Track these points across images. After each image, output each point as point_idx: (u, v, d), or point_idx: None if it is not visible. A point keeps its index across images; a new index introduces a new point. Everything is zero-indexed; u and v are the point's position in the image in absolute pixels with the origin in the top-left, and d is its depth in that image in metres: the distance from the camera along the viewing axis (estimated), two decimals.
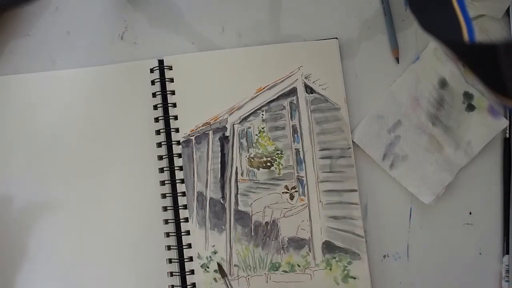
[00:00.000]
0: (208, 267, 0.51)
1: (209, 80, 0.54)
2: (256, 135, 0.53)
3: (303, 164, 0.52)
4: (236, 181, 0.52)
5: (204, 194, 0.52)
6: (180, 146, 0.53)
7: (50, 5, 0.56)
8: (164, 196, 0.52)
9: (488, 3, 0.52)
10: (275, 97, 0.53)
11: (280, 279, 0.51)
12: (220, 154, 0.53)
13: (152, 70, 0.54)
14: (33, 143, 0.53)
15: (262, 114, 0.53)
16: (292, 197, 0.52)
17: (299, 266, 0.51)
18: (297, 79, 0.53)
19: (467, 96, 0.52)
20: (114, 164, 0.53)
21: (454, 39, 0.39)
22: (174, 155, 0.53)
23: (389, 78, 0.54)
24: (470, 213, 0.52)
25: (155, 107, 0.53)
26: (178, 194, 0.52)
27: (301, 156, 0.52)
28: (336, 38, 0.54)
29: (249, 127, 0.53)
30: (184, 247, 0.52)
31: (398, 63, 0.54)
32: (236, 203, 0.52)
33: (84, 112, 0.54)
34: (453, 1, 0.40)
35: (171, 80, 0.54)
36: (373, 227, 0.52)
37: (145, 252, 0.52)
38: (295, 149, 0.53)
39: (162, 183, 0.52)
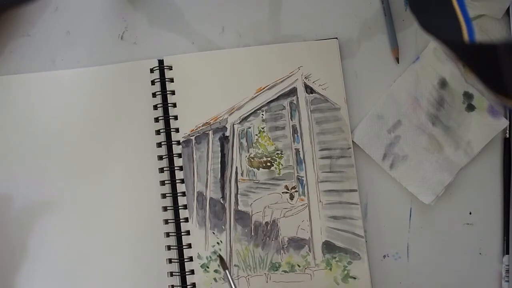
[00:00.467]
0: (208, 267, 0.51)
1: (209, 80, 0.54)
2: (256, 135, 0.53)
3: (303, 164, 0.52)
4: (236, 181, 0.52)
5: (204, 194, 0.52)
6: (180, 146, 0.53)
7: (50, 5, 0.56)
8: (164, 196, 0.52)
9: (488, 3, 0.52)
10: (275, 97, 0.53)
11: (280, 279, 0.51)
12: (220, 154, 0.53)
13: (152, 70, 0.54)
14: (33, 143, 0.53)
15: (262, 114, 0.53)
16: (292, 197, 0.52)
17: (299, 266, 0.51)
18: (297, 79, 0.53)
19: (467, 96, 0.52)
20: (114, 164, 0.53)
21: (454, 39, 0.39)
22: (174, 155, 0.53)
23: (389, 78, 0.54)
24: (470, 213, 0.52)
25: (155, 107, 0.53)
26: (178, 194, 0.52)
27: (301, 156, 0.52)
28: (336, 38, 0.54)
29: (249, 127, 0.53)
30: (184, 247, 0.52)
31: (398, 63, 0.54)
32: (236, 203, 0.52)
33: (84, 112, 0.54)
34: (453, 1, 0.40)
35: (171, 80, 0.54)
36: (373, 227, 0.52)
37: (145, 252, 0.52)
38: (295, 149, 0.53)
39: (162, 183, 0.52)
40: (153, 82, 0.54)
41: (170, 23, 0.55)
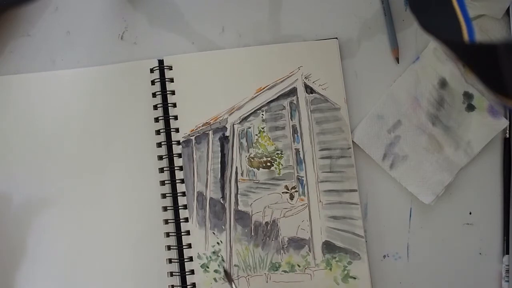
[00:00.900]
0: (208, 267, 0.51)
1: (209, 80, 0.54)
2: (256, 135, 0.53)
3: (303, 164, 0.52)
4: (236, 181, 0.52)
5: (204, 194, 0.52)
6: (180, 146, 0.53)
7: (50, 5, 0.56)
8: (164, 196, 0.52)
9: (488, 3, 0.52)
10: (275, 97, 0.53)
11: (280, 279, 0.51)
12: (220, 154, 0.53)
13: (152, 70, 0.54)
14: (33, 143, 0.53)
15: (262, 114, 0.53)
16: (292, 197, 0.52)
17: (299, 266, 0.51)
18: (297, 79, 0.53)
19: (467, 96, 0.52)
20: (114, 164, 0.53)
21: (454, 39, 0.39)
22: (174, 155, 0.53)
23: (389, 78, 0.54)
24: (470, 213, 0.52)
25: (155, 107, 0.53)
26: (178, 194, 0.52)
27: (301, 156, 0.52)
28: (336, 38, 0.54)
29: (249, 127, 0.53)
30: (184, 247, 0.52)
31: (398, 63, 0.54)
32: (236, 203, 0.52)
33: (84, 112, 0.54)
34: (453, 1, 0.40)
35: (171, 80, 0.54)
36: (373, 227, 0.52)
37: (145, 252, 0.52)
38: (295, 149, 0.53)
39: (162, 183, 0.52)
40: (153, 82, 0.54)
41: (170, 23, 0.55)
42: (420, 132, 0.52)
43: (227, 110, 0.53)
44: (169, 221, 0.52)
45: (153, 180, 0.52)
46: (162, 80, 0.53)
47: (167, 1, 0.56)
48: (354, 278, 0.51)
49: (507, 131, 0.52)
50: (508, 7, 0.52)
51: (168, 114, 0.53)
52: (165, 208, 0.52)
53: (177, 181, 0.52)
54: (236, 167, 0.53)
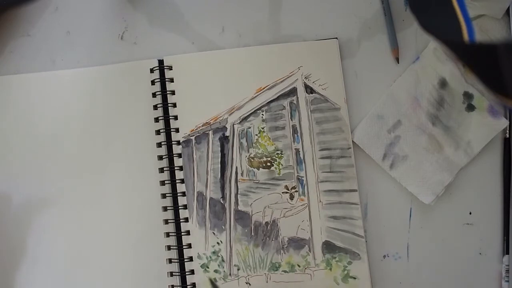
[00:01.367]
0: (208, 267, 0.51)
1: (209, 80, 0.54)
2: (256, 135, 0.53)
3: (303, 164, 0.52)
4: (236, 181, 0.52)
5: (204, 194, 0.52)
6: (180, 146, 0.53)
7: (50, 5, 0.56)
8: (164, 196, 0.52)
9: (488, 3, 0.52)
10: (275, 97, 0.53)
11: (280, 279, 0.51)
12: (220, 154, 0.53)
13: (152, 70, 0.54)
14: (33, 143, 0.53)
15: (262, 114, 0.53)
16: (292, 197, 0.52)
17: (299, 266, 0.51)
18: (297, 79, 0.53)
19: (467, 96, 0.52)
20: (114, 164, 0.53)
21: (454, 39, 0.39)
22: (174, 155, 0.53)
23: (389, 78, 0.54)
24: (470, 213, 0.52)
25: (155, 107, 0.53)
26: (178, 194, 0.52)
27: (301, 156, 0.52)
28: (336, 38, 0.54)
29: (249, 127, 0.53)
30: (184, 247, 0.52)
31: (398, 63, 0.54)
32: (236, 203, 0.52)
33: (84, 112, 0.54)
34: (453, 1, 0.40)
35: (171, 80, 0.54)
36: (373, 227, 0.52)
37: (145, 252, 0.52)
38: (295, 149, 0.53)
39: (162, 183, 0.52)
40: (153, 82, 0.54)
41: (170, 23, 0.55)
42: (420, 132, 0.52)
43: (227, 110, 0.53)
44: (169, 221, 0.52)
45: (153, 180, 0.52)
46: (162, 80, 0.53)
47: (167, 1, 0.56)
48: (354, 278, 0.51)
49: (507, 131, 0.52)
50: (508, 7, 0.52)
51: (168, 114, 0.53)
52: (165, 208, 0.52)
53: (177, 181, 0.52)
54: (236, 167, 0.53)
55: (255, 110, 0.53)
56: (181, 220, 0.52)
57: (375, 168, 0.53)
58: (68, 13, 0.56)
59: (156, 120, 0.53)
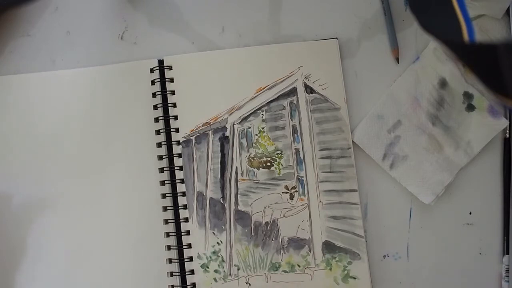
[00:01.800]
0: (208, 267, 0.51)
1: (209, 80, 0.54)
2: (256, 135, 0.53)
3: (303, 164, 0.52)
4: (236, 181, 0.52)
5: (204, 194, 0.52)
6: (180, 146, 0.53)
7: (50, 5, 0.56)
8: (164, 196, 0.52)
9: (488, 3, 0.52)
10: (275, 97, 0.53)
11: (280, 279, 0.51)
12: (220, 154, 0.53)
13: (152, 70, 0.54)
14: (33, 143, 0.53)
15: (262, 114, 0.53)
16: (292, 197, 0.52)
17: (299, 266, 0.51)
18: (297, 79, 0.53)
19: (467, 96, 0.52)
20: (114, 164, 0.53)
21: (454, 39, 0.39)
22: (174, 155, 0.53)
23: (389, 78, 0.54)
24: (470, 213, 0.52)
25: (155, 107, 0.53)
26: (178, 194, 0.52)
27: (301, 156, 0.52)
28: (336, 38, 0.54)
29: (249, 127, 0.53)
30: (184, 247, 0.52)
31: (398, 63, 0.54)
32: (236, 203, 0.52)
33: (84, 112, 0.54)
34: (453, 1, 0.40)
35: (171, 80, 0.54)
36: (373, 227, 0.52)
37: (145, 252, 0.52)
38: (295, 149, 0.53)
39: (162, 183, 0.52)
40: (153, 82, 0.54)
41: (170, 23, 0.55)
42: (420, 132, 0.52)
43: (227, 110, 0.53)
44: (169, 221, 0.52)
45: (153, 180, 0.52)
46: (162, 80, 0.53)
47: (167, 1, 0.56)
48: (354, 278, 0.51)
49: (507, 131, 0.52)
50: (508, 7, 0.52)
51: (168, 114, 0.53)
52: (165, 208, 0.52)
53: (177, 181, 0.52)
54: (236, 167, 0.52)
55: (255, 110, 0.53)
56: (181, 220, 0.52)
57: (375, 168, 0.53)
58: (68, 13, 0.56)
59: (156, 120, 0.53)
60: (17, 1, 0.53)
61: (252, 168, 0.52)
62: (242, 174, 0.52)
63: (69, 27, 0.56)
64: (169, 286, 0.51)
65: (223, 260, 0.51)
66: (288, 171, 0.52)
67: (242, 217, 0.52)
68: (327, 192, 0.52)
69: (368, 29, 0.55)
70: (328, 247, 0.51)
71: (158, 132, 0.53)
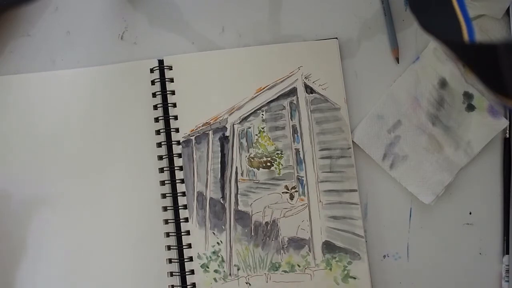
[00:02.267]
0: (208, 267, 0.51)
1: (209, 80, 0.54)
2: (256, 135, 0.53)
3: (303, 164, 0.52)
4: (236, 181, 0.52)
5: (204, 194, 0.52)
6: (180, 146, 0.53)
7: (50, 5, 0.56)
8: (164, 196, 0.52)
9: (488, 3, 0.52)
10: (275, 97, 0.53)
11: (280, 279, 0.51)
12: (220, 154, 0.53)
13: (152, 70, 0.54)
14: (33, 143, 0.53)
15: (262, 114, 0.53)
16: (292, 197, 0.52)
17: (299, 266, 0.51)
18: (297, 79, 0.53)
19: (467, 96, 0.52)
20: (114, 164, 0.53)
21: (454, 39, 0.39)
22: (174, 155, 0.53)
23: (389, 78, 0.54)
24: (470, 213, 0.52)
25: (155, 107, 0.53)
26: (178, 194, 0.52)
27: (301, 156, 0.52)
28: (336, 38, 0.54)
29: (249, 127, 0.53)
30: (184, 247, 0.52)
31: (398, 63, 0.54)
32: (236, 203, 0.52)
33: (84, 112, 0.54)
34: (453, 1, 0.40)
35: (171, 80, 0.54)
36: (373, 227, 0.52)
37: (145, 252, 0.52)
38: (295, 149, 0.53)
39: (162, 183, 0.52)
40: (153, 82, 0.54)
41: (170, 23, 0.55)
42: (420, 132, 0.52)
43: (227, 110, 0.53)
44: (169, 221, 0.52)
45: (153, 180, 0.52)
46: (162, 80, 0.53)
47: (167, 1, 0.56)
48: (354, 278, 0.51)
49: (507, 131, 0.52)
50: (508, 7, 0.52)
51: (168, 114, 0.53)
52: (165, 208, 0.52)
53: (177, 181, 0.52)
54: (236, 167, 0.52)
55: (255, 110, 0.53)
56: (181, 220, 0.52)
57: (375, 168, 0.53)
58: (68, 13, 0.56)
59: (156, 120, 0.53)
60: (17, 1, 0.53)
61: (252, 168, 0.52)
62: (242, 174, 0.52)
63: (69, 27, 0.56)
64: (169, 286, 0.51)
65: (223, 260, 0.51)
66: (288, 171, 0.52)
67: (242, 217, 0.52)
68: (327, 192, 0.52)
69: (368, 29, 0.55)
70: (328, 247, 0.51)
71: (158, 132, 0.53)
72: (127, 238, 0.52)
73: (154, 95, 0.53)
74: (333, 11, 0.55)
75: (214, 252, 0.51)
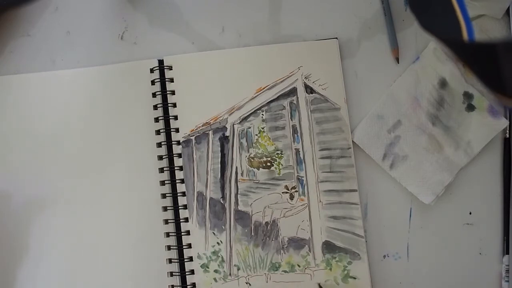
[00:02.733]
0: (208, 267, 0.51)
1: (209, 80, 0.54)
2: (256, 135, 0.53)
3: (303, 164, 0.52)
4: (236, 181, 0.52)
5: (204, 194, 0.52)
6: (180, 146, 0.53)
7: (50, 5, 0.56)
8: (164, 196, 0.52)
9: (488, 3, 0.52)
10: (275, 97, 0.53)
11: (280, 279, 0.51)
12: (220, 154, 0.53)
13: (152, 70, 0.54)
14: (33, 143, 0.53)
15: (262, 114, 0.53)
16: (292, 197, 0.52)
17: (299, 266, 0.51)
18: (297, 79, 0.53)
19: (467, 96, 0.52)
20: (114, 164, 0.53)
21: (454, 39, 0.39)
22: (174, 155, 0.53)
23: (389, 78, 0.54)
24: (470, 213, 0.52)
25: (155, 107, 0.53)
26: (178, 194, 0.52)
27: (301, 156, 0.52)
28: (336, 38, 0.54)
29: (249, 127, 0.53)
30: (184, 247, 0.52)
31: (398, 63, 0.54)
32: (236, 203, 0.52)
33: (84, 112, 0.54)
34: (453, 0, 0.40)
35: (171, 80, 0.54)
36: (373, 227, 0.52)
37: (145, 252, 0.52)
38: (295, 149, 0.53)
39: (162, 183, 0.52)
40: (153, 82, 0.54)
41: (170, 23, 0.55)
42: (420, 132, 0.52)
43: (227, 110, 0.53)
44: (169, 221, 0.52)
45: (153, 180, 0.52)
46: (162, 80, 0.53)
47: (167, 1, 0.56)
48: (354, 278, 0.51)
49: (507, 131, 0.52)
50: (508, 7, 0.52)
51: (168, 114, 0.53)
52: (165, 208, 0.52)
53: (177, 181, 0.52)
54: (236, 167, 0.52)
55: (255, 110, 0.53)
56: (181, 220, 0.52)
57: (375, 168, 0.53)
58: (68, 13, 0.56)
59: (156, 120, 0.53)
60: (17, 1, 0.53)
61: (252, 168, 0.52)
62: (242, 174, 0.52)
63: (69, 27, 0.56)
64: (169, 286, 0.51)
65: (223, 260, 0.51)
66: (288, 171, 0.52)
67: (242, 217, 0.52)
68: (327, 192, 0.52)
69: (368, 29, 0.55)
70: (328, 247, 0.51)
71: (158, 132, 0.53)
72: (127, 238, 0.52)
73: (154, 95, 0.53)
74: (333, 11, 0.55)
75: (214, 252, 0.51)
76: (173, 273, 0.51)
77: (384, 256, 0.52)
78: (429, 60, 0.53)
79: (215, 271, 0.51)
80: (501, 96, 0.35)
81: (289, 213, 0.52)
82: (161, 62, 0.54)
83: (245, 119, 0.53)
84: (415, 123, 0.52)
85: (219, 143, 0.53)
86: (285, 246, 0.51)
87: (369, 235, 0.52)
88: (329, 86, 0.53)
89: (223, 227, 0.52)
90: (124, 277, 0.51)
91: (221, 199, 0.52)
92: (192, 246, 0.52)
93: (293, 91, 0.53)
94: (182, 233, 0.52)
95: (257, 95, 0.53)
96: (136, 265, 0.52)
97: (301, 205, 0.52)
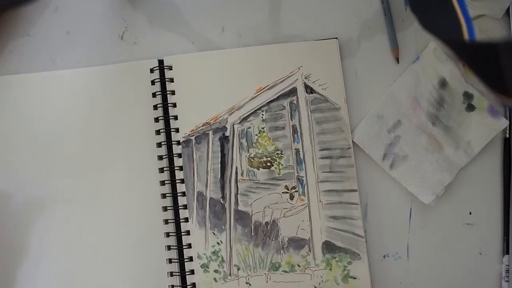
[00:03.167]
0: (208, 267, 0.51)
1: (209, 80, 0.54)
2: (256, 135, 0.53)
3: (303, 164, 0.52)
4: (236, 181, 0.52)
5: (204, 194, 0.52)
6: (180, 146, 0.53)
7: (50, 5, 0.56)
8: (164, 196, 0.52)
9: (488, 3, 0.52)
10: (275, 97, 0.53)
11: (280, 279, 0.51)
12: (220, 154, 0.53)
13: (152, 70, 0.54)
14: (33, 143, 0.53)
15: (262, 114, 0.53)
16: (292, 197, 0.52)
17: (299, 266, 0.51)
18: (297, 79, 0.53)
19: (467, 96, 0.52)
20: (114, 164, 0.53)
21: (454, 38, 0.39)
22: (174, 155, 0.53)
23: (389, 78, 0.54)
24: (470, 213, 0.52)
25: (155, 107, 0.53)
26: (178, 194, 0.52)
27: (301, 156, 0.52)
28: (336, 38, 0.54)
29: (249, 127, 0.53)
30: (184, 247, 0.51)
31: (398, 63, 0.54)
32: (236, 203, 0.52)
33: (84, 112, 0.54)
34: (453, 0, 0.40)
35: (171, 80, 0.54)
36: (373, 227, 0.52)
37: (145, 252, 0.52)
38: (295, 149, 0.53)
39: (162, 183, 0.52)
40: (153, 82, 0.54)
41: (170, 23, 0.55)
42: (420, 132, 0.52)
43: (227, 110, 0.53)
44: (169, 221, 0.52)
45: (153, 180, 0.52)
46: (162, 80, 0.53)
47: (167, 1, 0.56)
48: (354, 278, 0.51)
49: (507, 131, 0.52)
50: (508, 7, 0.52)
51: (168, 114, 0.53)
52: (165, 208, 0.52)
53: (177, 181, 0.52)
54: (236, 167, 0.52)
55: (255, 110, 0.53)
56: (181, 220, 0.52)
57: (375, 168, 0.53)
58: (68, 13, 0.56)
59: (156, 120, 0.53)
60: (17, 1, 0.53)
61: (252, 168, 0.52)
62: (242, 174, 0.52)
63: (69, 27, 0.56)
64: (169, 286, 0.51)
65: (223, 260, 0.51)
66: (288, 171, 0.52)
67: (242, 217, 0.52)
68: (327, 192, 0.52)
69: (368, 29, 0.55)
70: (328, 247, 0.51)
71: (158, 132, 0.53)
72: (127, 238, 0.52)
73: (154, 95, 0.53)
74: (333, 11, 0.55)
75: (214, 252, 0.51)
76: (173, 273, 0.51)
77: (384, 256, 0.52)
78: (429, 60, 0.53)
79: (215, 271, 0.51)
80: (502, 96, 0.36)
81: (289, 213, 0.52)
82: (161, 62, 0.54)
83: (245, 119, 0.53)
84: (415, 123, 0.52)
85: (219, 143, 0.53)
86: (285, 246, 0.51)
87: (369, 235, 0.52)
88: (329, 86, 0.53)
89: (223, 227, 0.52)
90: (124, 277, 0.51)
91: (221, 199, 0.52)
92: (192, 246, 0.52)
93: (293, 91, 0.53)
94: (182, 233, 0.52)
95: (257, 95, 0.53)
96: (136, 265, 0.52)
97: (301, 205, 0.52)
